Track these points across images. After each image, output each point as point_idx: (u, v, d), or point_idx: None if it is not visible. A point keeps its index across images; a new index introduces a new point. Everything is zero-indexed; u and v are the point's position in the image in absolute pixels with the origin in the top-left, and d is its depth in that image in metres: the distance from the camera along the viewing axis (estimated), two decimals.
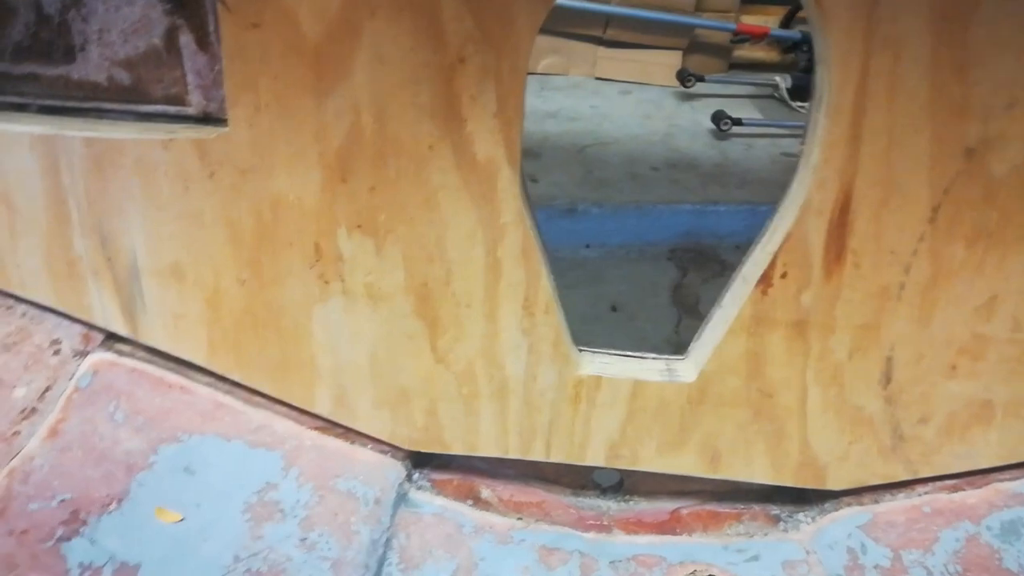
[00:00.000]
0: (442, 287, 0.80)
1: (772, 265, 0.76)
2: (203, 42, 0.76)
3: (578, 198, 2.41)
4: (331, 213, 0.77)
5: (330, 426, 0.87)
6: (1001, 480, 0.83)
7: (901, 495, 0.84)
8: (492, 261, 0.79)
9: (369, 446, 0.87)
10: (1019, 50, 0.67)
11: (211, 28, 0.75)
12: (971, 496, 0.82)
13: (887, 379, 0.80)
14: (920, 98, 0.70)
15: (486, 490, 0.90)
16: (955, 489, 0.83)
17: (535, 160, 2.59)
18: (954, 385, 0.80)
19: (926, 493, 0.83)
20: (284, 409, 0.86)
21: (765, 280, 0.77)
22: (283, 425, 0.85)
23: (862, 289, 0.76)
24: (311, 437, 0.85)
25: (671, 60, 3.00)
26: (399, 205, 0.77)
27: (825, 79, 0.71)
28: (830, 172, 0.72)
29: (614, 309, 2.13)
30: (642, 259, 2.36)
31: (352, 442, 0.87)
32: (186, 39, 0.76)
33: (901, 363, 0.79)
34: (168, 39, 0.76)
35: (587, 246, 2.39)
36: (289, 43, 0.71)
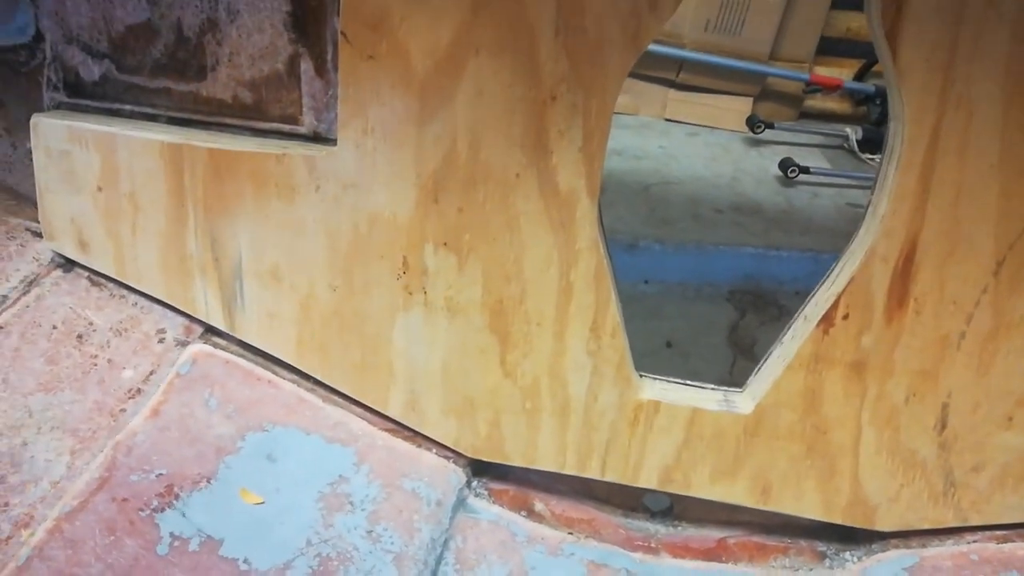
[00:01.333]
0: (516, 305, 0.85)
1: (835, 306, 0.79)
2: (321, 69, 0.84)
3: (640, 234, 2.45)
4: (421, 230, 0.84)
5: (400, 428, 0.93)
6: None
7: (949, 541, 0.85)
8: (565, 284, 0.84)
9: (434, 450, 0.92)
10: None
11: (329, 57, 0.83)
12: (1021, 548, 0.83)
13: (942, 425, 0.82)
14: (990, 156, 0.73)
15: (540, 503, 0.94)
16: (1005, 540, 0.84)
17: (601, 195, 2.64)
18: (1010, 436, 0.81)
19: (975, 541, 0.85)
20: (359, 409, 0.93)
21: (827, 320, 0.80)
22: (357, 424, 0.91)
23: (922, 336, 0.79)
24: (382, 437, 0.91)
25: (741, 106, 3.03)
26: (483, 226, 0.83)
27: (898, 134, 0.74)
28: (897, 222, 0.76)
29: (669, 345, 2.16)
30: (700, 298, 2.38)
31: (419, 445, 0.92)
32: (306, 66, 0.84)
33: (957, 411, 0.81)
34: (290, 65, 0.84)
35: (646, 282, 2.42)
36: (400, 74, 0.78)
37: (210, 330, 0.94)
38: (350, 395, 0.93)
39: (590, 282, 0.83)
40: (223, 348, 0.93)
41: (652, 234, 2.45)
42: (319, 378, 0.93)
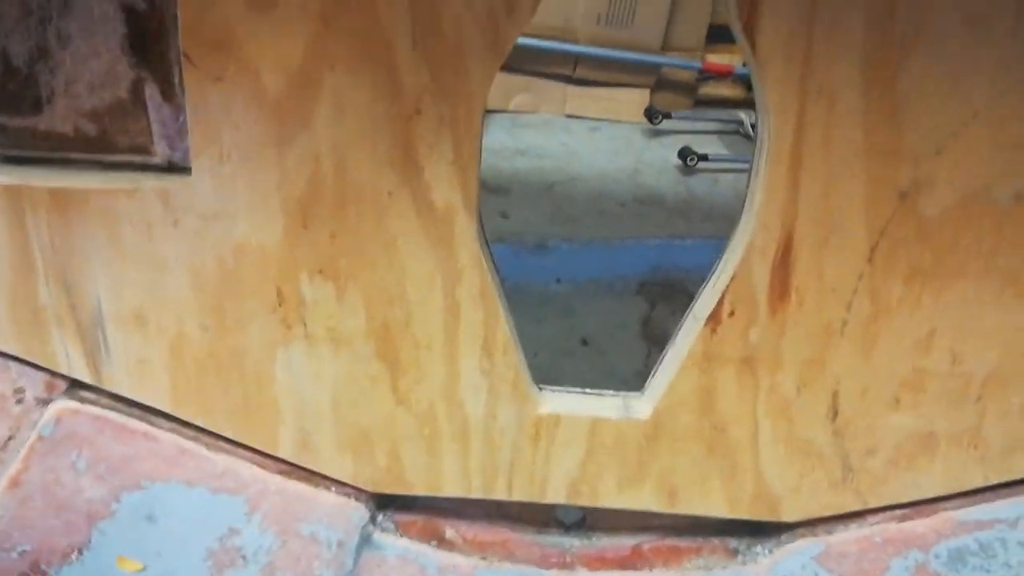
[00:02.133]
0: (402, 329, 0.82)
1: (720, 303, 0.79)
2: (168, 94, 0.78)
3: (548, 234, 2.45)
4: (293, 259, 0.79)
5: (294, 469, 0.88)
6: (948, 509, 0.85)
7: (853, 525, 0.86)
8: (451, 304, 0.81)
9: (333, 489, 0.88)
10: (945, 98, 0.72)
11: (176, 81, 0.77)
12: (920, 525, 0.85)
13: (834, 413, 0.83)
14: (854, 144, 0.73)
15: (450, 530, 0.91)
16: (905, 519, 0.86)
17: (505, 196, 2.63)
18: (899, 418, 0.83)
19: (877, 523, 0.86)
20: (248, 453, 0.87)
21: (714, 318, 0.80)
22: (247, 469, 0.86)
23: (806, 326, 0.79)
24: (275, 481, 0.86)
25: (639, 97, 3.07)
26: (359, 250, 0.79)
27: (765, 126, 0.74)
28: (771, 215, 0.76)
29: (584, 343, 2.16)
30: (611, 293, 2.39)
31: (316, 485, 0.87)
32: (151, 91, 0.78)
33: (847, 397, 0.82)
34: (134, 91, 0.78)
35: (557, 281, 2.42)
36: (251, 95, 0.73)
37: (75, 384, 0.87)
38: (237, 440, 0.87)
39: (477, 299, 0.81)
40: (91, 402, 0.85)
41: (559, 232, 2.45)
42: (201, 424, 0.87)
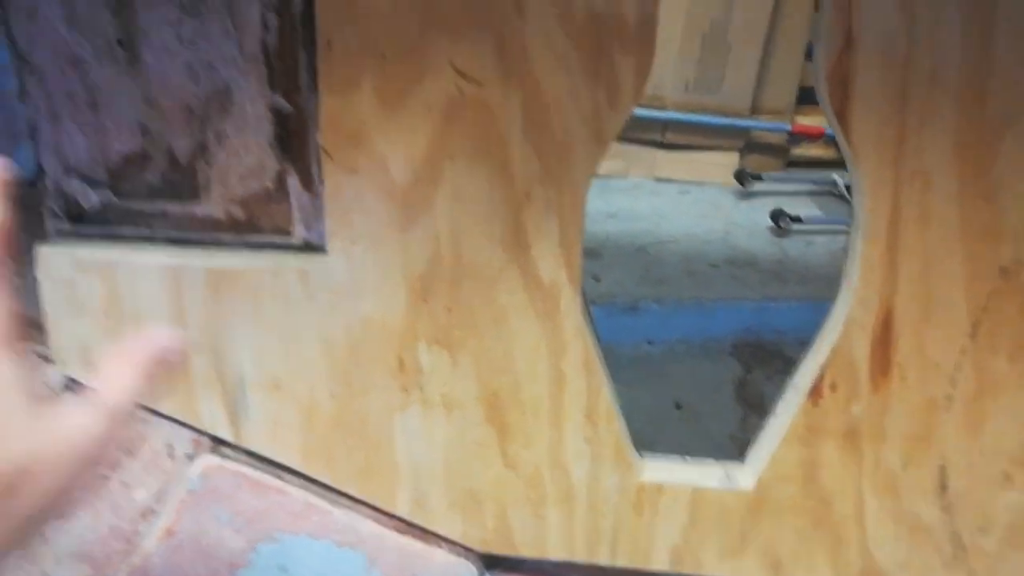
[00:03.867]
0: (511, 396, 0.87)
1: (821, 377, 0.81)
2: (307, 183, 0.88)
3: (639, 295, 2.48)
4: (413, 330, 0.86)
5: (409, 527, 0.93)
6: None
7: None
8: (556, 373, 0.86)
9: (444, 547, 0.93)
10: None
11: (314, 171, 0.87)
12: None
13: (943, 488, 0.82)
14: (951, 224, 0.75)
15: None
16: None
17: (597, 260, 2.68)
18: (1011, 495, 0.81)
19: None
20: (367, 510, 0.93)
21: (816, 391, 0.82)
22: (366, 526, 0.92)
23: (910, 401, 0.80)
24: (392, 537, 0.92)
25: (728, 160, 3.10)
26: (472, 322, 0.85)
27: (861, 206, 0.77)
28: (870, 291, 0.78)
29: (678, 407, 2.16)
30: (704, 355, 2.39)
31: (429, 543, 0.93)
32: (293, 181, 0.88)
33: (955, 473, 0.81)
34: (278, 181, 0.88)
35: (649, 342, 2.44)
36: (381, 185, 0.82)
37: (217, 441, 0.96)
38: (358, 497, 0.94)
39: (580, 369, 0.85)
40: (231, 459, 0.94)
41: (650, 294, 2.48)
42: (326, 482, 0.94)
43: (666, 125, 3.01)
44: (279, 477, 0.93)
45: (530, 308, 0.85)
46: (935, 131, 0.73)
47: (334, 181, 0.83)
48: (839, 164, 3.09)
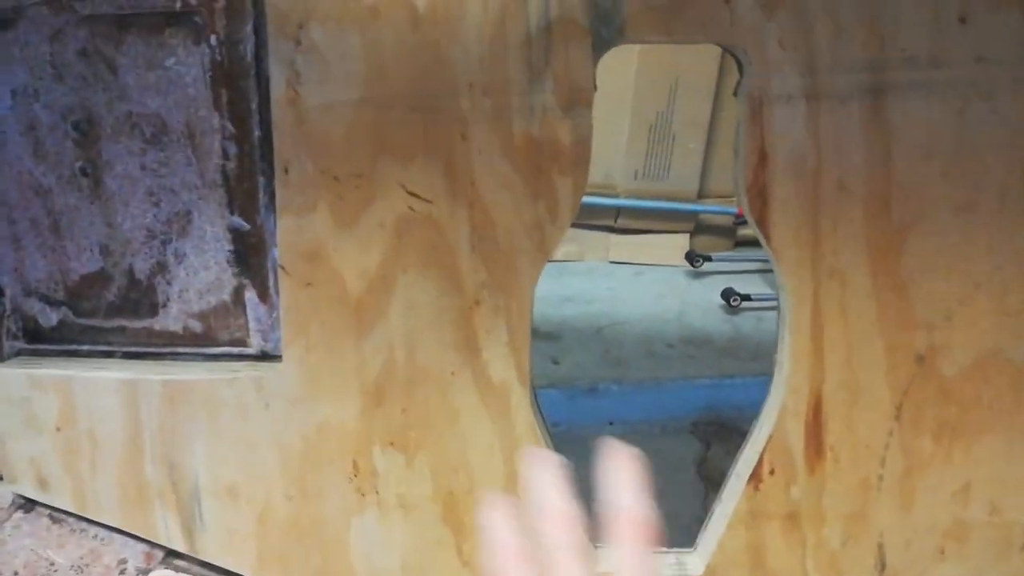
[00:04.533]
0: (466, 494, 0.89)
1: (760, 463, 0.85)
2: (264, 296, 0.91)
3: (598, 377, 2.52)
4: (368, 433, 0.89)
5: None
6: None
7: None
8: (510, 469, 0.88)
9: None
10: (947, 273, 0.80)
11: (271, 284, 0.91)
12: None
13: (882, 565, 0.86)
14: (869, 316, 0.81)
15: None
16: None
17: (555, 343, 2.73)
18: (945, 567, 0.85)
19: None
20: None
21: (756, 477, 0.85)
22: None
23: (844, 481, 0.84)
24: None
25: (679, 242, 3.21)
26: (426, 423, 0.88)
27: (785, 303, 0.83)
28: (800, 380, 0.83)
29: None
30: (665, 434, 2.42)
31: None
32: (250, 294, 0.91)
33: (892, 549, 0.85)
34: (236, 295, 0.91)
35: (610, 423, 2.46)
36: (336, 297, 0.86)
37: (171, 554, 0.95)
38: None
39: None
40: (184, 571, 0.94)
41: (610, 375, 2.52)
42: None
43: (618, 211, 3.13)
44: None
45: (482, 408, 0.88)
46: (847, 234, 0.80)
47: (291, 294, 0.87)
48: None
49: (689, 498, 2.09)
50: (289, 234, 0.85)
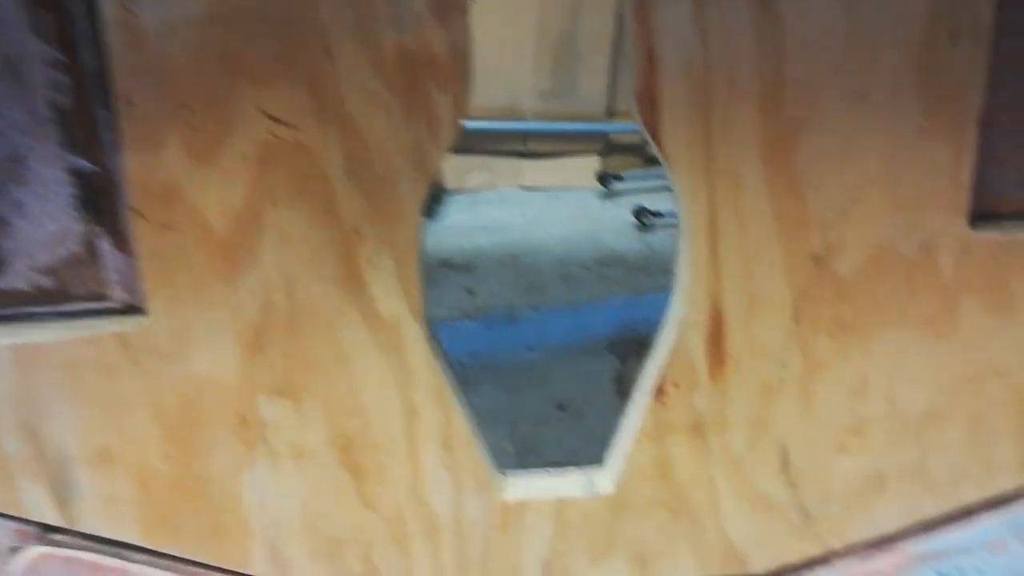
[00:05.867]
0: (363, 437, 0.85)
1: (663, 377, 0.83)
2: (121, 244, 0.82)
3: (516, 304, 2.51)
4: (251, 382, 0.82)
5: None
6: (907, 542, 0.89)
7: (820, 569, 0.89)
8: (408, 406, 0.84)
9: None
10: (840, 168, 0.78)
11: (127, 231, 0.82)
12: (882, 562, 0.88)
13: (785, 465, 0.86)
14: (765, 217, 0.79)
15: None
16: (867, 557, 0.89)
17: (470, 273, 2.69)
18: (846, 462, 0.86)
19: (843, 565, 0.89)
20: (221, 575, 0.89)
21: (660, 391, 0.84)
22: None
23: (747, 388, 0.84)
24: None
25: (590, 164, 3.18)
26: (314, 366, 0.82)
27: (680, 207, 0.80)
28: (698, 290, 0.81)
29: (561, 408, 2.18)
30: (583, 355, 2.44)
31: None
32: (105, 244, 0.82)
33: (795, 449, 0.86)
34: (87, 246, 0.82)
35: (529, 349, 2.46)
36: (200, 238, 0.78)
37: (46, 528, 0.88)
38: (210, 563, 0.88)
39: (432, 400, 0.84)
40: (63, 545, 0.87)
41: (527, 302, 2.51)
42: (174, 553, 0.88)
43: (527, 135, 3.06)
44: (120, 556, 0.86)
45: (373, 345, 0.83)
46: (739, 134, 0.77)
47: (149, 240, 0.78)
48: None
49: (609, 415, 2.12)
50: (140, 173, 0.76)
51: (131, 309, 0.84)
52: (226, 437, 0.84)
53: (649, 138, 0.77)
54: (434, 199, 3.02)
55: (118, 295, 0.84)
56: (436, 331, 0.85)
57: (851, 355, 0.84)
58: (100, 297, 0.84)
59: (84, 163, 0.79)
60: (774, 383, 0.84)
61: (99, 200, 0.80)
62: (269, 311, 0.80)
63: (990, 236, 0.81)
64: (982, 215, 0.81)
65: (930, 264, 0.81)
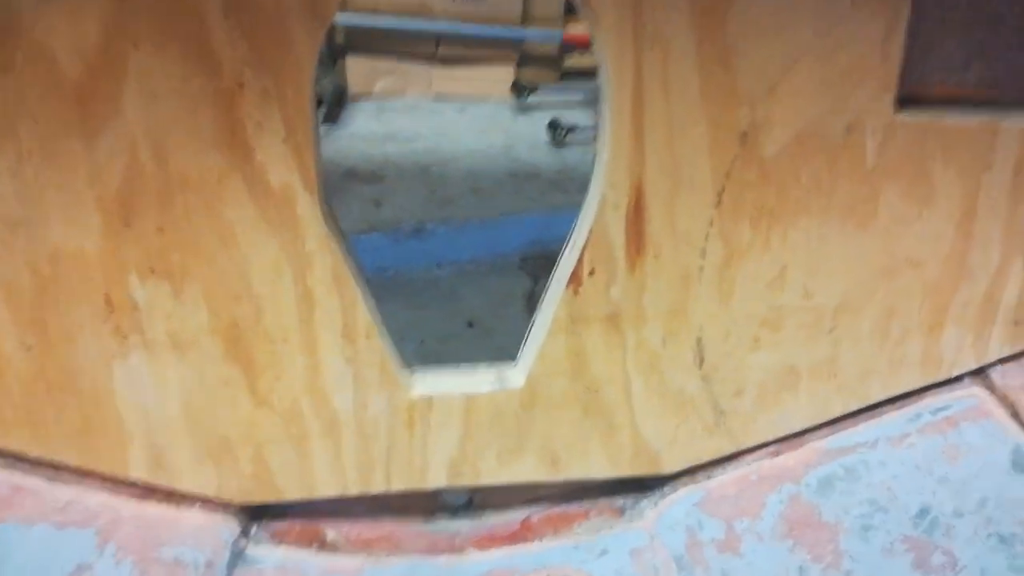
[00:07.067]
0: (253, 325, 0.76)
1: (580, 264, 0.78)
2: None
3: (425, 218, 2.41)
4: (118, 260, 0.72)
5: (150, 491, 0.81)
6: (814, 439, 0.89)
7: (731, 467, 0.88)
8: (303, 291, 0.76)
9: (197, 506, 0.81)
10: (773, 37, 0.73)
11: None
12: (790, 459, 0.87)
13: (700, 359, 0.84)
14: (692, 90, 0.74)
15: (331, 531, 0.87)
16: (776, 454, 0.88)
17: (378, 184, 2.57)
18: (760, 356, 0.85)
19: (752, 462, 0.88)
20: (96, 481, 0.79)
21: (575, 279, 0.79)
22: (96, 498, 0.78)
23: (665, 277, 0.79)
24: (129, 507, 0.79)
25: (504, 74, 3.07)
26: (193, 244, 0.73)
27: (606, 79, 0.73)
28: (620, 169, 0.75)
29: (471, 324, 2.14)
30: (493, 272, 2.38)
31: (177, 505, 0.81)
32: None
33: (711, 342, 0.83)
34: None
35: (438, 265, 2.39)
36: (48, 84, 0.66)
37: None
38: (81, 467, 0.79)
39: (330, 284, 0.76)
40: None
41: (437, 216, 2.42)
42: (37, 455, 0.78)
43: (439, 39, 2.91)
44: None
45: (261, 220, 0.73)
46: None
47: None
48: None
49: (519, 333, 2.09)
50: None
51: None
52: (93, 323, 0.73)
53: None
54: (337, 103, 2.84)
55: None
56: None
57: (771, 244, 0.81)
58: None
59: None
60: (693, 272, 0.80)
61: None
62: (135, 176, 0.70)
63: (916, 120, 0.78)
64: (909, 98, 0.78)
65: (855, 147, 0.78)
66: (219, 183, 0.71)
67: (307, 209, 0.74)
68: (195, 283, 0.74)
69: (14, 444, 0.78)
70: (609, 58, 0.72)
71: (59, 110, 0.67)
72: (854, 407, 0.90)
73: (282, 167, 0.72)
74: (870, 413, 0.90)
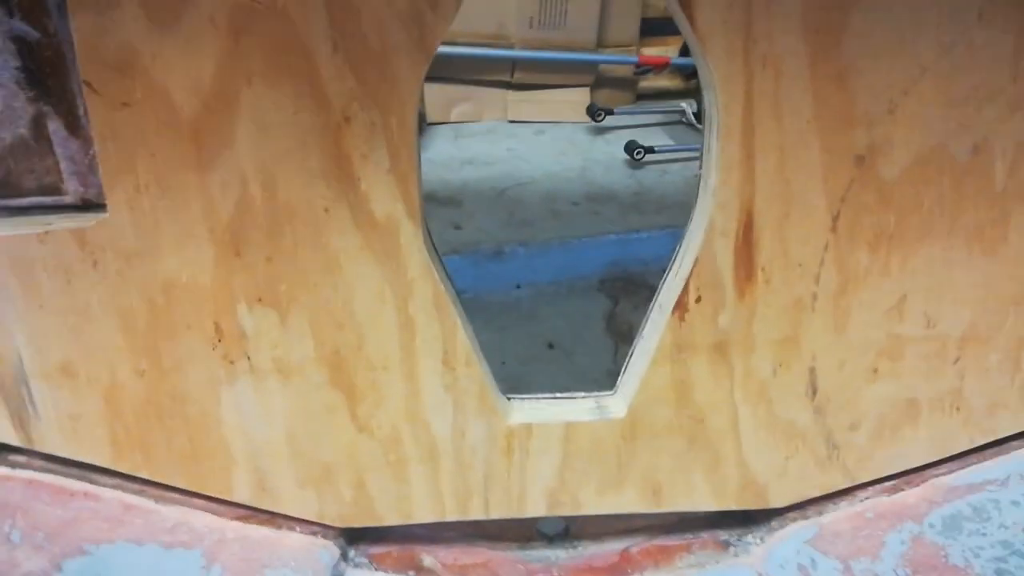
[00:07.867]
0: (355, 352, 0.77)
1: (685, 291, 0.76)
2: (73, 127, 0.72)
3: (504, 240, 2.42)
4: (228, 289, 0.74)
5: (253, 514, 0.82)
6: (937, 476, 0.83)
7: (844, 503, 0.84)
8: (404, 319, 0.76)
9: (297, 529, 0.82)
10: (892, 57, 0.70)
11: (80, 112, 0.71)
12: (911, 496, 0.82)
13: (813, 390, 0.80)
14: (805, 112, 0.71)
15: (428, 557, 0.86)
16: (895, 490, 0.83)
17: (457, 208, 2.59)
18: (878, 388, 0.80)
19: (867, 498, 0.83)
20: (201, 502, 0.81)
21: (680, 306, 0.76)
22: (201, 520, 0.80)
23: (776, 304, 0.76)
24: (233, 528, 0.80)
25: (580, 97, 3.06)
26: (300, 272, 0.74)
27: (713, 102, 0.71)
28: (729, 193, 0.73)
29: (551, 346, 2.12)
30: (573, 294, 2.36)
31: (279, 527, 0.82)
32: (55, 125, 0.72)
33: (824, 372, 0.79)
34: (35, 128, 0.72)
35: (518, 286, 2.38)
36: (164, 119, 0.68)
37: (5, 449, 0.79)
38: (187, 489, 0.81)
39: (431, 312, 0.76)
40: (22, 466, 0.78)
41: (515, 238, 2.42)
42: (147, 477, 0.80)
43: (515, 64, 2.92)
44: (87, 480, 0.78)
45: (366, 249, 0.74)
46: (782, 14, 0.68)
47: (105, 120, 0.68)
48: (686, 94, 3.13)
49: (599, 354, 2.06)
50: (90, 39, 0.65)
51: (90, 205, 0.75)
52: (202, 350, 0.75)
53: (681, 16, 0.68)
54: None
55: (73, 188, 0.74)
56: None
57: (890, 270, 0.76)
58: (53, 190, 0.74)
59: (27, 28, 0.68)
60: (806, 300, 0.77)
61: (47, 74, 0.70)
62: (246, 208, 0.71)
63: None
64: None
65: (982, 169, 0.74)
66: (326, 213, 0.72)
67: (410, 237, 0.74)
68: (301, 311, 0.75)
69: (126, 466, 0.80)
70: (718, 81, 0.70)
71: (175, 144, 0.69)
72: (980, 442, 0.84)
73: (387, 197, 0.72)
74: (998, 448, 0.84)
